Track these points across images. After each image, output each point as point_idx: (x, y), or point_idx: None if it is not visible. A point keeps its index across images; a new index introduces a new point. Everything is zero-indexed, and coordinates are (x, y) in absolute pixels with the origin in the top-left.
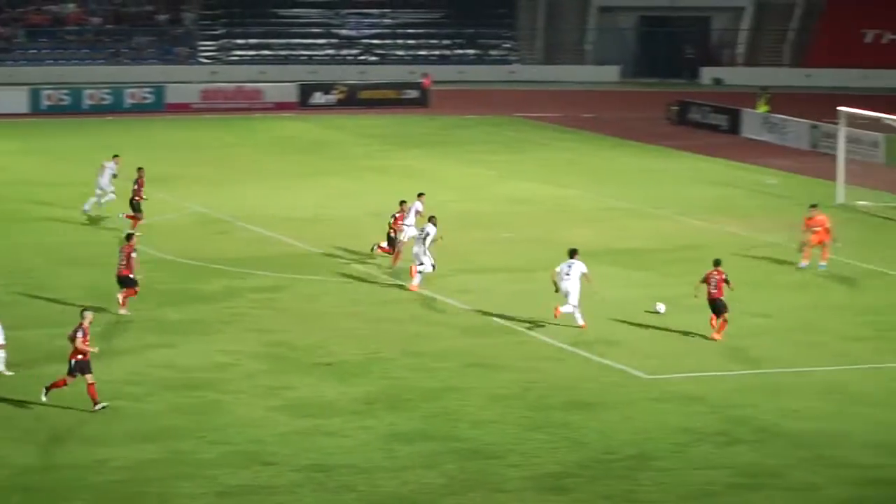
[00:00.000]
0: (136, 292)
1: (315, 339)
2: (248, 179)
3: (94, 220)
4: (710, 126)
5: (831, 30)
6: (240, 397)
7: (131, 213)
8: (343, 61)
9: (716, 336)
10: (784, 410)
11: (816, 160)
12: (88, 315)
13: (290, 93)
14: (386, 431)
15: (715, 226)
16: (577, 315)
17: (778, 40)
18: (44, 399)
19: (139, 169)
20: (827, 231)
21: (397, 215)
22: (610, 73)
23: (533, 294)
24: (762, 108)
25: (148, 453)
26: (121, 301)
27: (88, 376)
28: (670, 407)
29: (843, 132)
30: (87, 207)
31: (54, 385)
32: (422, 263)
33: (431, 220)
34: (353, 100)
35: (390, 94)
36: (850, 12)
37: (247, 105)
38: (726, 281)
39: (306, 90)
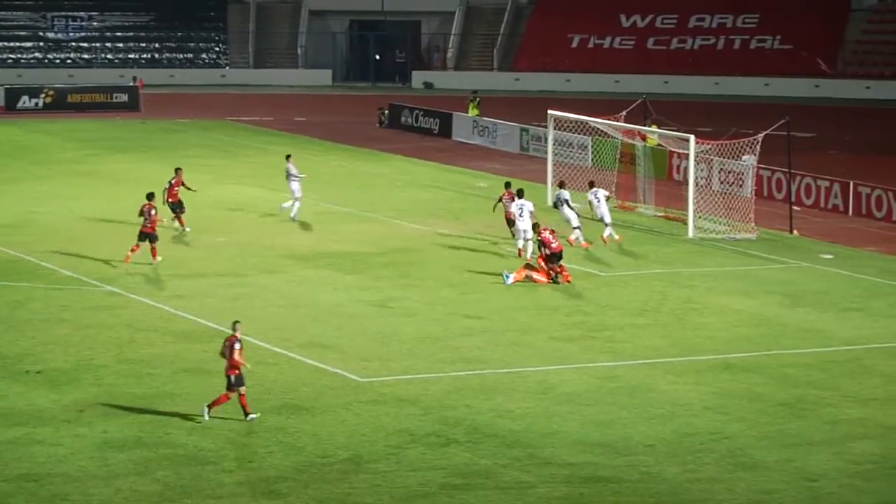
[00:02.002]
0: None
1: (24, 346)
2: None
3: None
4: (421, 130)
5: (539, 34)
6: None
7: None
8: (51, 65)
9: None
10: (497, 410)
11: (527, 163)
12: (240, 327)
13: None
14: (98, 439)
15: (427, 228)
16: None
17: (487, 45)
18: (206, 417)
19: (177, 169)
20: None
21: (505, 198)
22: (322, 76)
23: (248, 298)
24: (472, 112)
25: None
26: (153, 253)
27: (241, 388)
28: (385, 409)
29: (551, 135)
30: (293, 214)
31: (216, 402)
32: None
33: (521, 193)
34: (62, 104)
35: (100, 97)
36: (558, 17)
37: None
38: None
39: (13, 94)
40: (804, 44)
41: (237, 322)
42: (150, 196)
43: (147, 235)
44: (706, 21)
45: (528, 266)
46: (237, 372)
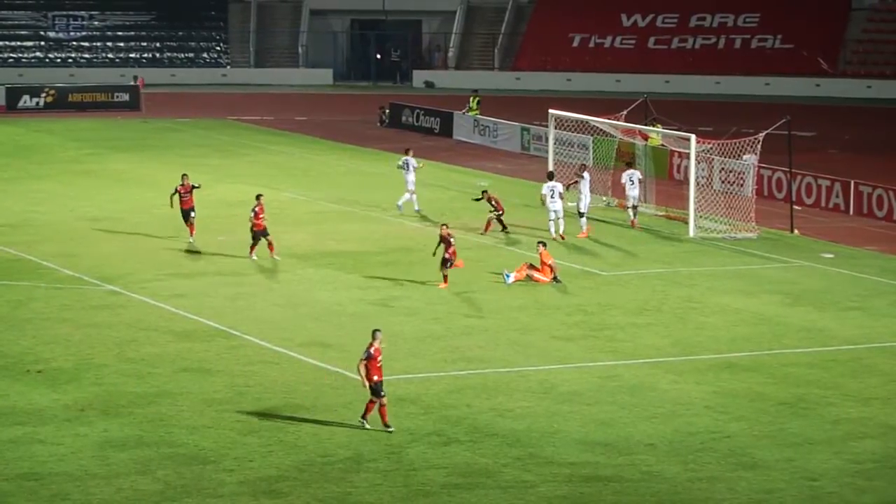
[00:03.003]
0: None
1: (25, 345)
2: None
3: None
4: (422, 129)
5: (540, 34)
6: None
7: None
8: (52, 64)
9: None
10: (498, 410)
11: (527, 162)
12: (379, 335)
13: None
14: (99, 438)
15: (427, 227)
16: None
17: (488, 44)
18: (367, 426)
19: (183, 176)
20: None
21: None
22: (323, 76)
23: (248, 297)
24: (473, 112)
25: None
26: (271, 249)
27: (382, 399)
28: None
29: (552, 134)
30: (412, 207)
31: (366, 411)
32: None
33: (551, 175)
34: (63, 103)
35: (101, 96)
36: (558, 17)
37: None
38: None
39: (14, 93)
40: (805, 43)
41: (377, 330)
42: (259, 196)
43: (257, 233)
44: (707, 20)
45: (529, 266)
46: (376, 379)
